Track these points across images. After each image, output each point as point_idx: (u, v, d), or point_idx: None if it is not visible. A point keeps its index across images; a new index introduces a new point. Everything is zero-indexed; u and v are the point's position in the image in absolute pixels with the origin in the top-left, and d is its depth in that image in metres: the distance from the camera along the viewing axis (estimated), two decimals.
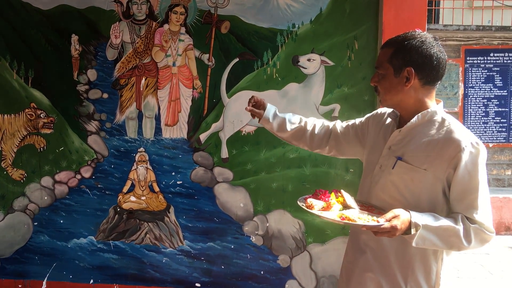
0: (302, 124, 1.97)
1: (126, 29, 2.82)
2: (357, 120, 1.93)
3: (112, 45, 2.83)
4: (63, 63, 2.86)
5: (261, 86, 2.77)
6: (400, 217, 1.46)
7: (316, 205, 1.60)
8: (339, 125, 1.96)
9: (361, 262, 1.70)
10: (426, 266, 1.60)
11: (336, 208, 1.59)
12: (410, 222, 1.47)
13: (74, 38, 2.84)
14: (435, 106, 1.63)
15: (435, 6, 7.62)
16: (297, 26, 2.71)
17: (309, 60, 2.72)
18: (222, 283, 2.89)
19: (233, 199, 2.84)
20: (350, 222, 1.49)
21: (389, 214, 1.47)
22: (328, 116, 2.72)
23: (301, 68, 2.73)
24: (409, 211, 1.49)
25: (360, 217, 1.50)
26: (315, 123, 1.98)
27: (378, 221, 1.46)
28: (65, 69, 2.86)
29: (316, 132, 1.95)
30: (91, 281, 2.96)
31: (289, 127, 1.96)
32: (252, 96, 1.98)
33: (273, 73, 2.76)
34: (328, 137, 1.95)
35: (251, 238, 2.85)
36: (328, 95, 2.73)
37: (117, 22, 2.82)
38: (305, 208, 1.61)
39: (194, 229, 2.89)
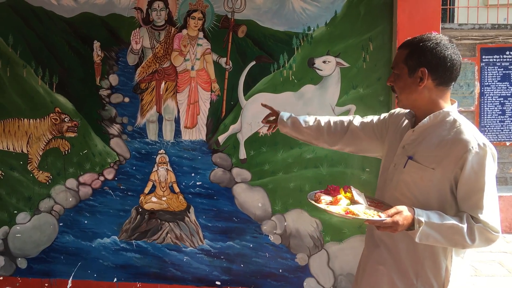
0: (317, 123, 2.04)
1: (146, 35, 2.90)
2: (375, 118, 1.97)
3: (133, 50, 2.92)
4: (86, 68, 2.95)
5: (277, 88, 2.82)
6: (403, 213, 1.51)
7: (323, 200, 1.64)
8: (358, 120, 1.99)
9: (375, 254, 1.76)
10: (436, 262, 1.63)
11: (344, 203, 1.62)
12: (414, 219, 1.52)
13: (96, 44, 2.93)
14: (449, 107, 1.66)
15: (450, 5, 7.58)
16: (312, 29, 2.76)
17: (324, 62, 2.77)
18: (241, 281, 2.94)
19: (252, 199, 2.90)
20: (354, 216, 1.53)
21: (392, 210, 1.52)
22: None
23: (316, 70, 2.78)
24: (413, 208, 1.54)
25: (366, 212, 1.54)
26: (330, 119, 2.04)
27: (380, 216, 1.51)
28: (88, 74, 2.95)
29: (332, 129, 2.01)
30: (115, 279, 3.05)
31: (304, 125, 2.04)
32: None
33: (289, 75, 2.81)
34: (344, 132, 1.98)
35: (269, 237, 2.90)
36: (344, 96, 2.77)
37: (137, 28, 2.90)
38: (312, 202, 1.66)
39: (214, 229, 2.95)
